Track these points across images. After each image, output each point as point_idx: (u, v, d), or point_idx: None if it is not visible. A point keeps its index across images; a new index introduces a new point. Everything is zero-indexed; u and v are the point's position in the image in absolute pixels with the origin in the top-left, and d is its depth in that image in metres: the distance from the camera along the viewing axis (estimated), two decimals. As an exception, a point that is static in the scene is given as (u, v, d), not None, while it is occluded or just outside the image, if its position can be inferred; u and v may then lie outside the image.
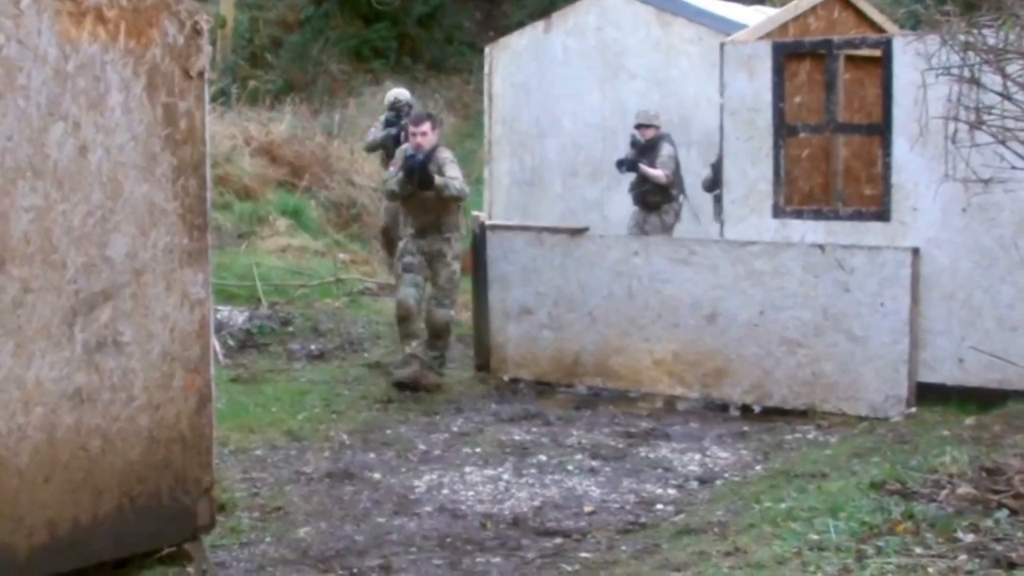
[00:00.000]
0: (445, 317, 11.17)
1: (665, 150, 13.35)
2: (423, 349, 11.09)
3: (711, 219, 12.68)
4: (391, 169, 11.32)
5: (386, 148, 14.53)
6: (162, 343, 5.95)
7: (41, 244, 5.41)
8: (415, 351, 10.99)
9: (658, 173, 13.28)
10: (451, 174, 10.82)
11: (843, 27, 12.90)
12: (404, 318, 10.99)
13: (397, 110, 14.92)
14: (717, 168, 11.59)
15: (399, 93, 15.41)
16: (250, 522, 7.55)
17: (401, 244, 11.34)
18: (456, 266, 11.14)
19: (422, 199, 10.93)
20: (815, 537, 5.89)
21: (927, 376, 9.79)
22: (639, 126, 13.41)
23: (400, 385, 10.92)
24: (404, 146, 11.23)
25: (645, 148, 13.36)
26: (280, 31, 27.73)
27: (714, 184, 12.28)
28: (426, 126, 11.06)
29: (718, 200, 11.95)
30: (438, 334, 11.21)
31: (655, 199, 13.50)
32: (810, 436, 9.53)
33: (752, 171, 10.90)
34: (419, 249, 11.07)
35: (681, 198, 13.65)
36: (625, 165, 13.42)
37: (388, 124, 14.79)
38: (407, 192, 10.94)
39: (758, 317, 10.25)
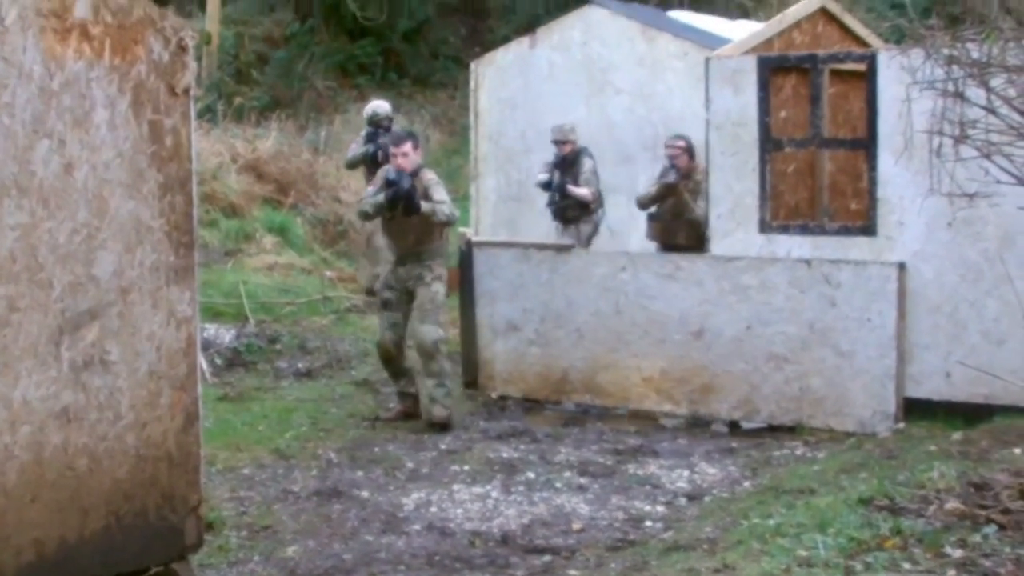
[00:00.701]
0: (431, 334, 10.35)
1: (586, 165, 13.34)
2: (415, 386, 10.69)
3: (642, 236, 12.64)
4: (370, 188, 10.89)
5: (366, 164, 14.42)
6: (149, 361, 5.93)
7: (27, 262, 5.39)
8: (405, 389, 10.71)
9: (584, 192, 13.24)
10: (438, 197, 10.28)
11: (828, 41, 12.93)
12: (386, 360, 10.68)
13: (376, 124, 14.70)
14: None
15: (378, 106, 15.07)
16: (238, 541, 7.53)
17: (381, 276, 11.09)
18: (437, 286, 10.46)
19: (402, 221, 10.41)
20: (803, 553, 5.88)
21: (914, 391, 9.80)
22: (556, 142, 13.34)
23: (390, 420, 10.65)
24: (386, 167, 10.70)
25: (565, 164, 13.32)
26: (266, 47, 27.73)
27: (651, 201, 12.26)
28: (407, 146, 10.49)
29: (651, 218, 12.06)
30: (428, 355, 10.40)
31: (574, 214, 13.44)
32: (798, 452, 9.53)
33: (738, 186, 10.91)
34: (397, 280, 10.56)
35: (600, 211, 13.56)
36: (553, 188, 13.36)
37: (369, 139, 14.58)
38: (381, 215, 10.56)
39: (745, 332, 10.25)
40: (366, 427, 10.48)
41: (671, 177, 11.75)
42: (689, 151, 11.95)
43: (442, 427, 10.31)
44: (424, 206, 10.19)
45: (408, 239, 10.49)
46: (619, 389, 10.81)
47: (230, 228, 16.58)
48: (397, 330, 10.52)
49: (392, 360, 10.60)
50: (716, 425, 10.44)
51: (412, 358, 10.73)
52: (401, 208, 10.26)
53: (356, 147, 14.85)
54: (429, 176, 10.49)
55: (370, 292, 14.22)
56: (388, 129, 14.24)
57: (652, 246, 12.31)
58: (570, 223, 13.49)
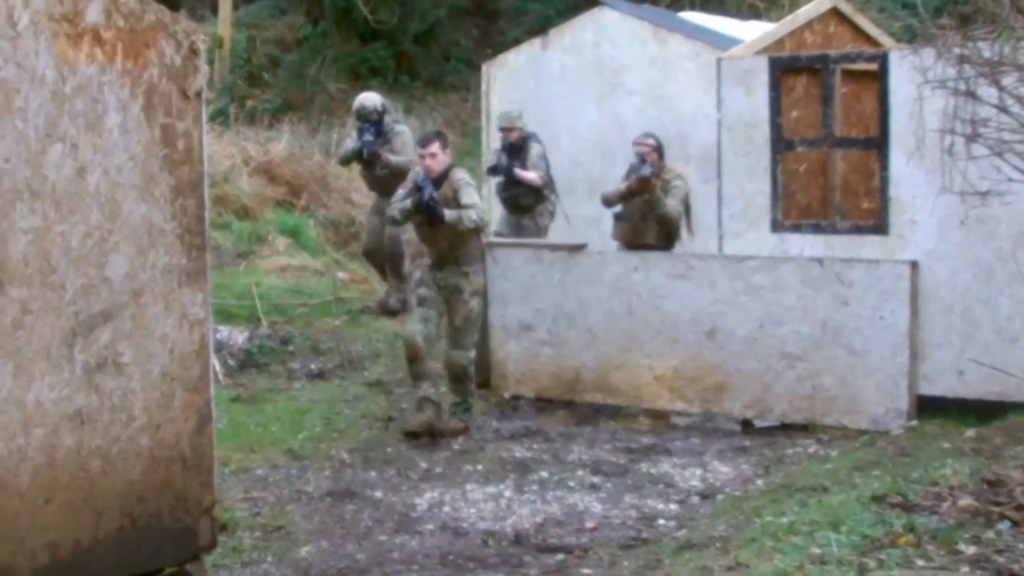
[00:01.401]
0: (461, 360, 10.13)
1: (534, 150, 13.30)
2: (436, 391, 10.16)
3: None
4: (400, 191, 10.28)
5: (358, 161, 13.98)
6: (162, 363, 5.95)
7: (40, 265, 5.41)
8: (427, 393, 10.02)
9: (532, 176, 13.20)
10: (467, 201, 9.81)
11: (839, 41, 12.93)
12: (412, 358, 10.03)
13: (363, 118, 13.91)
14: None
15: (365, 99, 14.16)
16: (251, 542, 7.55)
17: (417, 274, 10.52)
18: (474, 303, 10.14)
19: (431, 228, 9.99)
20: (817, 551, 5.88)
21: (927, 389, 9.80)
22: (502, 129, 13.40)
23: (411, 434, 9.97)
24: (416, 169, 10.25)
25: (513, 150, 13.32)
26: (278, 50, 27.73)
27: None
28: (434, 146, 10.00)
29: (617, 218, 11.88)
30: (456, 378, 10.19)
31: (527, 201, 13.43)
32: (811, 450, 9.53)
33: (750, 186, 10.92)
34: (435, 282, 10.10)
35: (553, 197, 13.56)
36: (500, 171, 13.35)
37: (359, 134, 13.95)
38: (411, 222, 10.18)
39: (757, 332, 10.25)
40: (379, 427, 10.49)
41: (646, 171, 11.49)
42: (658, 150, 11.65)
43: (429, 435, 9.98)
44: (448, 215, 9.77)
45: (442, 244, 10.09)
46: (632, 388, 10.81)
47: (242, 230, 16.58)
48: (428, 327, 10.02)
49: (417, 359, 9.98)
50: (728, 424, 10.44)
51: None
52: (425, 218, 9.91)
53: (349, 143, 14.32)
54: (459, 177, 10.01)
55: (384, 307, 14.04)
56: (376, 123, 13.75)
57: (613, 245, 12.04)
58: (524, 212, 13.47)
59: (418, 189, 9.90)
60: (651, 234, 11.47)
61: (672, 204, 11.43)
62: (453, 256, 10.07)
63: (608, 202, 11.92)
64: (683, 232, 11.64)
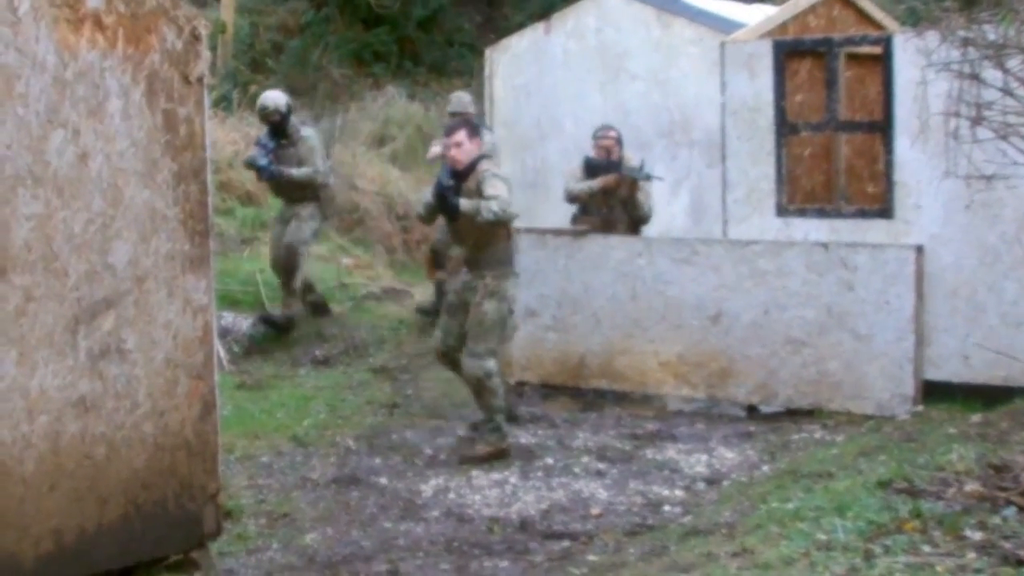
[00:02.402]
0: (474, 370, 9.08)
1: (486, 137, 12.27)
2: (504, 420, 9.29)
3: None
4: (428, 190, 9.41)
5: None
6: (165, 350, 5.94)
7: (43, 252, 5.40)
8: (501, 421, 9.24)
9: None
10: (490, 192, 8.82)
11: (843, 25, 12.88)
12: (446, 367, 9.62)
13: (266, 119, 12.80)
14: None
15: (267, 98, 12.95)
16: (257, 529, 7.55)
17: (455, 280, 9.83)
18: (488, 306, 9.05)
19: (459, 224, 9.10)
20: (822, 537, 5.87)
21: (933, 374, 9.78)
22: (453, 114, 13.15)
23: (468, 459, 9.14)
24: (435, 148, 9.57)
25: None
26: (281, 36, 27.69)
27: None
28: (460, 134, 9.09)
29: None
30: (476, 392, 9.19)
31: None
32: (816, 435, 9.51)
33: (754, 170, 10.90)
34: (464, 286, 9.31)
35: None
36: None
37: (263, 149, 12.70)
38: (434, 218, 9.41)
39: (762, 317, 10.23)
40: (384, 414, 10.48)
41: (635, 172, 11.20)
42: (620, 142, 11.50)
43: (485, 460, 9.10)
44: (465, 205, 8.81)
45: (467, 243, 9.23)
46: (636, 374, 10.79)
47: (246, 216, 16.58)
48: (447, 339, 9.32)
49: (453, 368, 9.45)
50: (734, 409, 10.43)
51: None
52: (441, 210, 9.05)
53: (255, 149, 12.97)
54: (485, 168, 9.08)
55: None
56: (279, 125, 12.73)
57: None
58: None
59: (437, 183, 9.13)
60: (620, 229, 11.35)
61: (646, 203, 11.39)
62: (478, 258, 9.18)
63: (575, 199, 11.57)
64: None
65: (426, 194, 9.31)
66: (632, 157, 11.47)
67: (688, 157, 12.81)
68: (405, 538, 7.42)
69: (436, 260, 13.47)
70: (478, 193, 8.89)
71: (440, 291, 13.13)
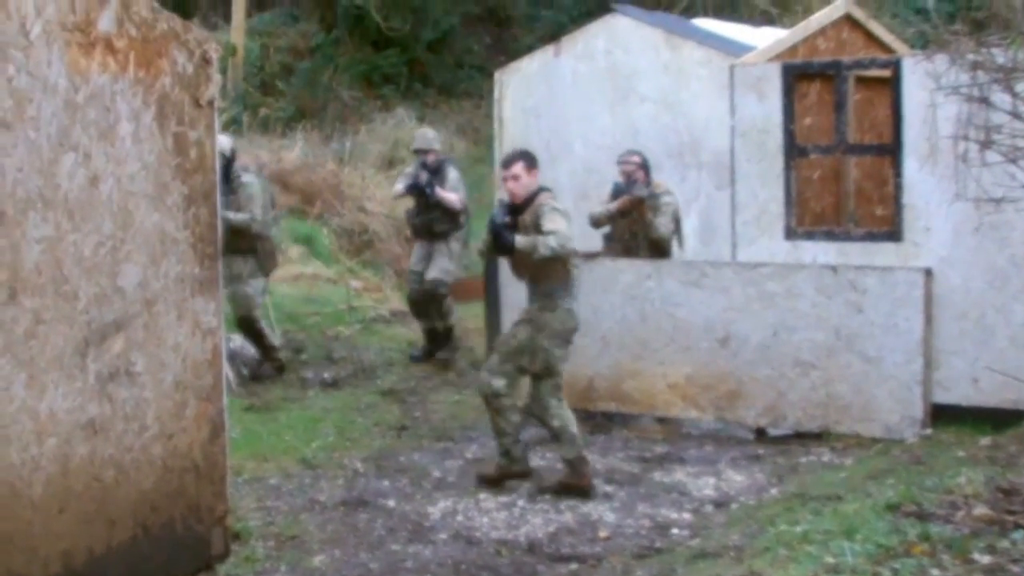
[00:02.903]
0: (484, 386, 8.85)
1: (452, 174, 12.81)
2: (517, 444, 8.91)
3: None
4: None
5: None
6: (174, 372, 5.95)
7: (53, 275, 5.41)
8: (508, 445, 8.86)
9: (453, 197, 12.61)
10: (548, 227, 8.37)
11: (852, 48, 12.90)
12: (489, 407, 8.92)
13: None
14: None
15: None
16: (265, 551, 7.54)
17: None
18: (521, 330, 8.75)
19: (515, 259, 8.75)
20: (831, 560, 5.86)
21: (942, 397, 9.77)
22: (418, 151, 12.85)
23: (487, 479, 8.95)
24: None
25: (429, 173, 12.67)
26: (290, 58, 27.78)
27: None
28: (517, 167, 8.67)
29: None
30: (486, 406, 8.96)
31: (442, 228, 12.75)
32: (825, 458, 9.50)
33: (763, 192, 10.90)
34: (523, 318, 8.85)
35: (466, 225, 12.97)
36: (420, 188, 12.49)
37: None
38: (491, 254, 9.05)
39: (771, 339, 10.22)
40: (392, 436, 10.48)
41: (640, 191, 11.19)
42: (644, 166, 11.44)
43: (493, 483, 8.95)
44: (520, 242, 8.41)
45: (524, 276, 8.81)
46: (645, 396, 10.78)
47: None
48: (507, 379, 8.85)
49: (498, 411, 8.87)
50: (742, 432, 10.42)
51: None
52: (495, 247, 8.70)
53: None
54: (543, 201, 8.61)
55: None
56: (222, 170, 12.30)
57: None
58: (438, 238, 12.75)
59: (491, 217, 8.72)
60: (642, 254, 11.27)
61: (663, 223, 11.23)
62: (533, 288, 8.76)
63: (597, 223, 11.58)
64: (674, 247, 11.51)
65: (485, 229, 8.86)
66: (660, 183, 11.43)
67: (697, 179, 12.82)
68: (413, 561, 7.41)
69: (414, 309, 13.13)
70: (536, 228, 8.47)
71: (430, 338, 13.07)
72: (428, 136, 13.05)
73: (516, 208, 8.67)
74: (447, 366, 12.99)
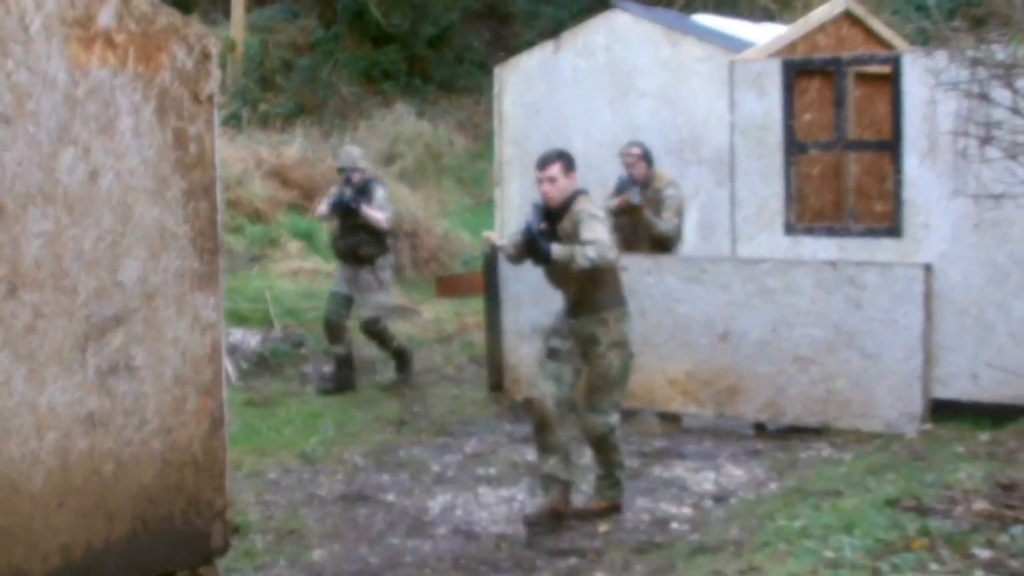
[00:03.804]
0: (599, 427, 8.09)
1: (379, 193, 11.95)
2: (565, 466, 8.12)
3: None
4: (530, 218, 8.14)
5: None
6: (174, 367, 5.95)
7: (52, 269, 5.41)
8: (553, 470, 8.05)
9: (381, 216, 11.72)
10: (586, 236, 7.72)
11: (852, 44, 12.90)
12: (540, 426, 8.07)
13: None
14: None
15: None
16: (264, 545, 7.55)
17: (550, 322, 8.47)
18: (614, 357, 8.03)
19: (555, 269, 8.04)
20: (830, 555, 5.87)
21: (941, 392, 9.77)
22: (343, 169, 12.12)
23: (532, 523, 7.96)
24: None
25: (356, 193, 11.93)
26: (290, 54, 27.81)
27: None
28: (554, 168, 7.97)
29: None
30: (597, 447, 8.24)
31: (368, 251, 11.94)
32: (824, 453, 9.51)
33: (763, 189, 10.91)
34: (571, 330, 8.11)
35: (394, 249, 12.43)
36: (346, 204, 11.77)
37: None
38: (523, 260, 8.17)
39: (770, 335, 10.23)
40: (391, 431, 10.49)
41: (634, 199, 10.93)
42: (646, 157, 11.25)
43: (595, 514, 8.24)
44: (557, 251, 7.74)
45: (570, 287, 8.08)
46: (644, 391, 10.77)
47: (255, 234, 16.62)
48: (561, 387, 8.04)
49: (547, 426, 8.04)
50: (742, 427, 10.43)
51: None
52: (530, 255, 7.98)
53: None
54: (580, 207, 7.94)
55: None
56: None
57: None
58: (364, 263, 11.98)
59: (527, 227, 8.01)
60: (643, 248, 11.10)
61: (667, 219, 11.04)
62: (587, 300, 8.04)
63: None
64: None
65: (516, 232, 8.21)
66: (664, 175, 11.32)
67: (697, 175, 12.82)
68: (412, 555, 7.42)
69: (330, 334, 12.16)
70: (574, 236, 7.83)
71: (340, 363, 12.11)
72: (353, 154, 12.31)
73: (552, 213, 7.99)
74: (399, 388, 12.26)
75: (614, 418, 8.12)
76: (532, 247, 7.83)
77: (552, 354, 8.11)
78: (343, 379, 12.04)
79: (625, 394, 8.36)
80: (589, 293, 7.99)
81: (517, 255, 8.10)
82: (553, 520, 7.97)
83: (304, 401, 11.49)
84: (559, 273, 7.98)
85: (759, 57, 11.78)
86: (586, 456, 8.67)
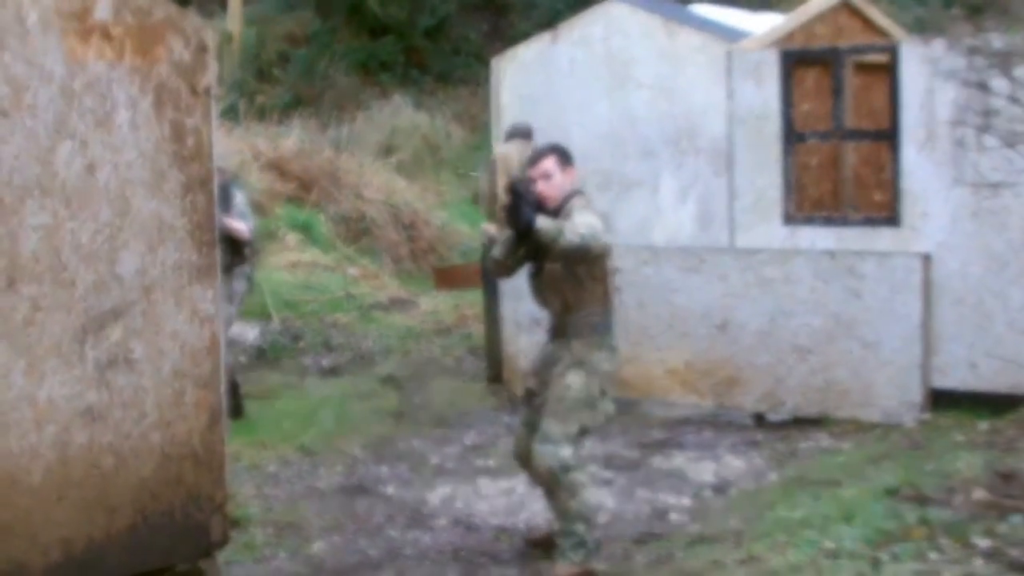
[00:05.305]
0: (549, 459, 6.81)
1: (239, 197, 10.50)
2: (592, 531, 6.95)
3: None
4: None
5: None
6: (173, 360, 5.94)
7: (50, 262, 5.41)
8: (583, 533, 6.87)
9: (241, 226, 10.21)
10: (578, 220, 6.71)
11: (850, 33, 12.88)
12: (523, 466, 7.34)
13: None
14: None
15: None
16: (264, 538, 7.55)
17: (535, 357, 7.55)
18: (573, 379, 6.94)
19: (546, 276, 7.08)
20: (830, 544, 5.87)
21: (940, 382, 9.77)
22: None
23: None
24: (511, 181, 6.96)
25: None
26: (287, 46, 27.76)
27: None
28: (547, 163, 7.02)
29: None
30: (547, 487, 6.99)
31: (224, 261, 10.52)
32: (823, 443, 9.51)
33: (761, 179, 10.89)
34: (541, 362, 7.26)
35: (254, 260, 11.16)
36: None
37: None
38: (512, 259, 7.15)
39: (769, 325, 10.23)
40: (391, 423, 10.49)
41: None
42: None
43: None
44: (543, 224, 6.53)
45: (555, 302, 7.12)
46: (643, 382, 10.78)
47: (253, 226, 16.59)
48: (530, 430, 7.16)
49: (528, 468, 7.23)
50: (741, 417, 10.42)
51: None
52: (512, 222, 6.65)
53: None
54: (576, 203, 7.00)
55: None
56: None
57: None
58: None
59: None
60: None
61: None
62: (566, 322, 7.10)
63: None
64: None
65: (503, 233, 7.30)
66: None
67: (695, 165, 12.80)
68: (412, 547, 7.42)
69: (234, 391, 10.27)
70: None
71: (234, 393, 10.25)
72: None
73: (547, 213, 6.82)
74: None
75: (566, 452, 6.81)
76: (516, 208, 6.52)
77: (527, 397, 7.34)
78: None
79: (589, 428, 7.07)
80: (574, 311, 7.03)
81: (506, 251, 7.10)
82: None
83: (303, 394, 11.49)
84: (545, 284, 7.10)
85: (757, 47, 11.76)
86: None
